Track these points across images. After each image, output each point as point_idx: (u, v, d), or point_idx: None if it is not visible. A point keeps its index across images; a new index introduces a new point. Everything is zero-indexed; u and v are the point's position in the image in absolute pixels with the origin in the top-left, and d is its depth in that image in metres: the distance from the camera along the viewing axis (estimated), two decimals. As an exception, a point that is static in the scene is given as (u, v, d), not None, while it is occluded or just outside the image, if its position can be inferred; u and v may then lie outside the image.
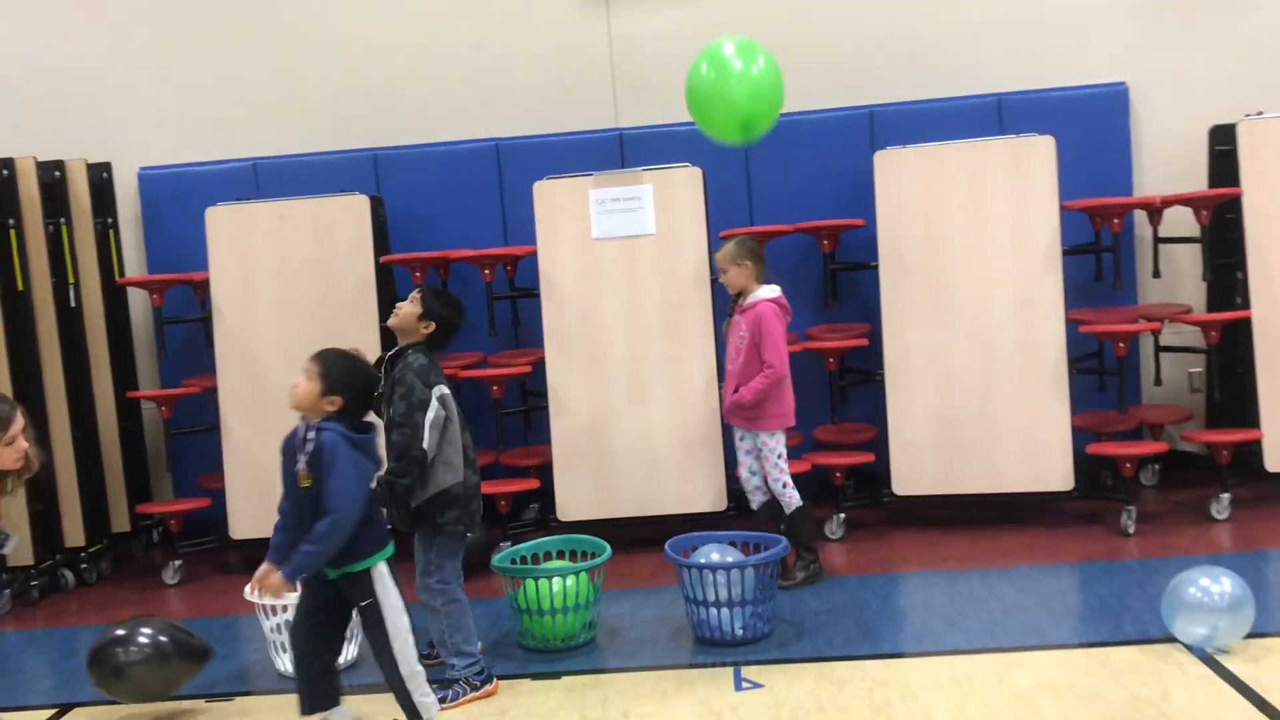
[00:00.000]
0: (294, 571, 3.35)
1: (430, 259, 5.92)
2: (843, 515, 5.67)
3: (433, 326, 3.99)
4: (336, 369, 3.47)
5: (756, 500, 5.00)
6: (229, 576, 5.79)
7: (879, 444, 5.82)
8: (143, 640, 3.92)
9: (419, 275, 5.90)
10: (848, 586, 4.90)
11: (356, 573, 3.43)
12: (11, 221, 5.63)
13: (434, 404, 3.84)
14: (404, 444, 3.80)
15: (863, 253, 5.95)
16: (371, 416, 3.65)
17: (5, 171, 5.63)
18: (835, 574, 5.08)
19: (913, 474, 5.62)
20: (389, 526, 3.64)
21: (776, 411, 4.86)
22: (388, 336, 5.85)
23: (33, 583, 5.61)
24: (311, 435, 3.41)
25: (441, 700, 3.78)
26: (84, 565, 5.86)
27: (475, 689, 3.96)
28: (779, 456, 4.87)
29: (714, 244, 5.60)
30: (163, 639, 3.94)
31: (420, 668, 3.51)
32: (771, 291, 4.84)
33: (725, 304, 5.88)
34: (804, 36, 6.28)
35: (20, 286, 5.66)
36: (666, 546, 4.45)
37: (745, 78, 4.14)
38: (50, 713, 4.15)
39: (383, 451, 3.63)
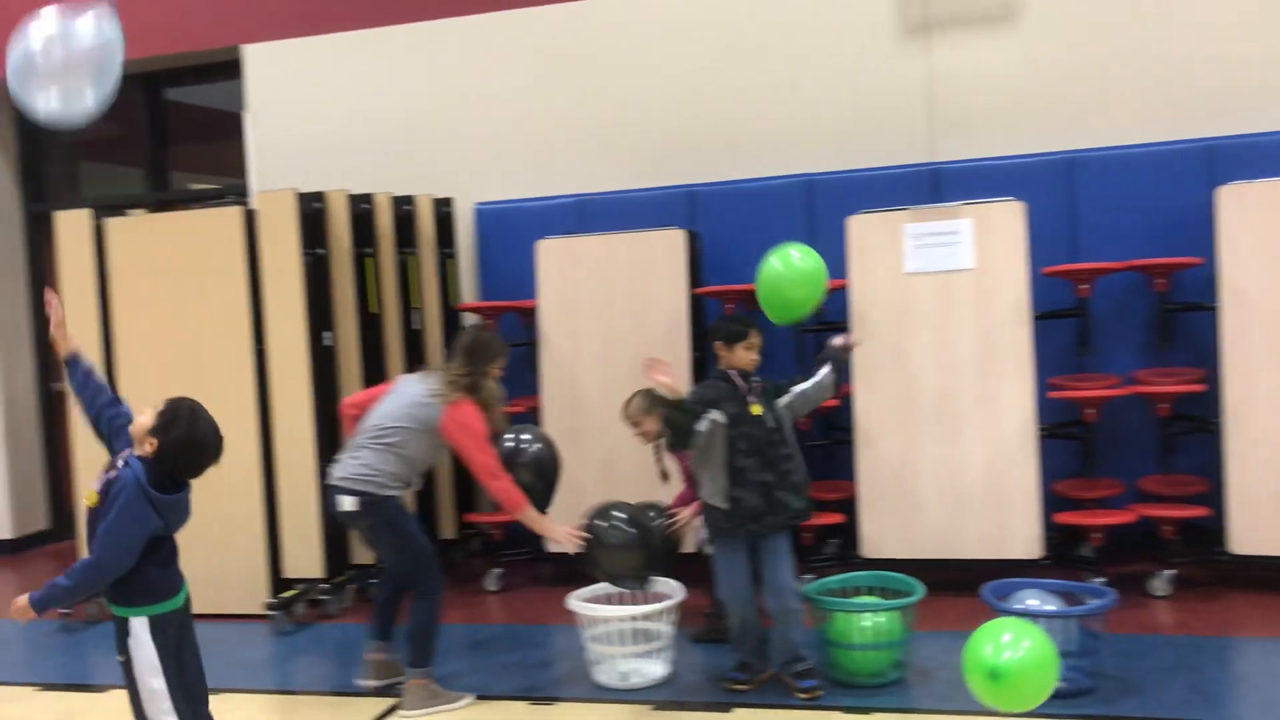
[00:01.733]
0: (39, 602, 3.11)
1: (741, 291, 6.06)
2: (1172, 572, 5.32)
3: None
4: (169, 424, 3.17)
5: None
6: (543, 588, 6.11)
7: (1213, 497, 5.43)
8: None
9: (730, 306, 6.06)
10: (1176, 647, 4.59)
11: (119, 617, 3.21)
12: (369, 250, 6.23)
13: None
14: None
15: (1195, 293, 5.60)
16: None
17: (366, 205, 6.24)
18: (1161, 632, 4.78)
19: (1254, 531, 5.19)
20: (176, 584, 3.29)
21: None
22: (699, 366, 6.06)
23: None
24: (119, 465, 3.20)
25: (812, 689, 4.23)
26: (416, 568, 6.35)
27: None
28: None
29: (1035, 279, 5.44)
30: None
31: None
32: None
33: (1048, 343, 5.72)
34: (1133, 66, 6.01)
35: (374, 309, 6.24)
36: (984, 589, 4.33)
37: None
38: (390, 703, 4.50)
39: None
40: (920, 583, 4.48)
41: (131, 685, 3.19)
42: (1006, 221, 5.42)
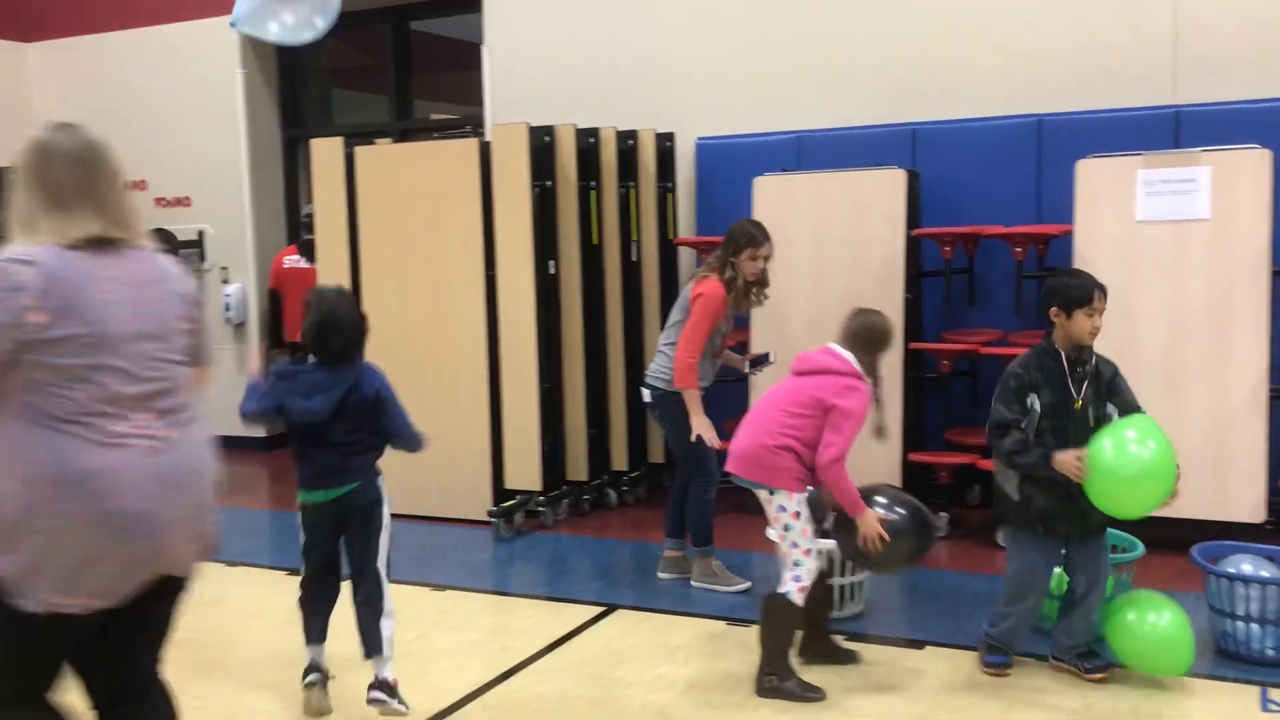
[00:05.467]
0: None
1: (961, 234, 5.99)
2: None
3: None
4: (306, 311, 3.67)
5: None
6: (744, 515, 6.30)
7: None
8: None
9: (948, 249, 6.00)
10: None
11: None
12: (593, 184, 6.47)
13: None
14: None
15: None
16: None
17: (592, 140, 6.47)
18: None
19: None
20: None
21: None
22: (911, 310, 6.05)
23: (585, 497, 6.49)
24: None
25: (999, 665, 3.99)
26: (625, 488, 6.68)
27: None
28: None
29: (1278, 231, 5.15)
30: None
31: None
32: None
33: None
34: None
35: (595, 240, 6.50)
36: (1193, 551, 4.24)
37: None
38: (598, 610, 4.83)
39: None
40: (1138, 540, 4.41)
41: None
42: (1249, 170, 5.15)
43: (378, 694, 3.61)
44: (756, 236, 4.91)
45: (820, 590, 4.02)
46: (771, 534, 4.06)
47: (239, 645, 4.53)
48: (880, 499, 3.95)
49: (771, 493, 3.86)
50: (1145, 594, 4.01)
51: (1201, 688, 3.82)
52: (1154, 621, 3.85)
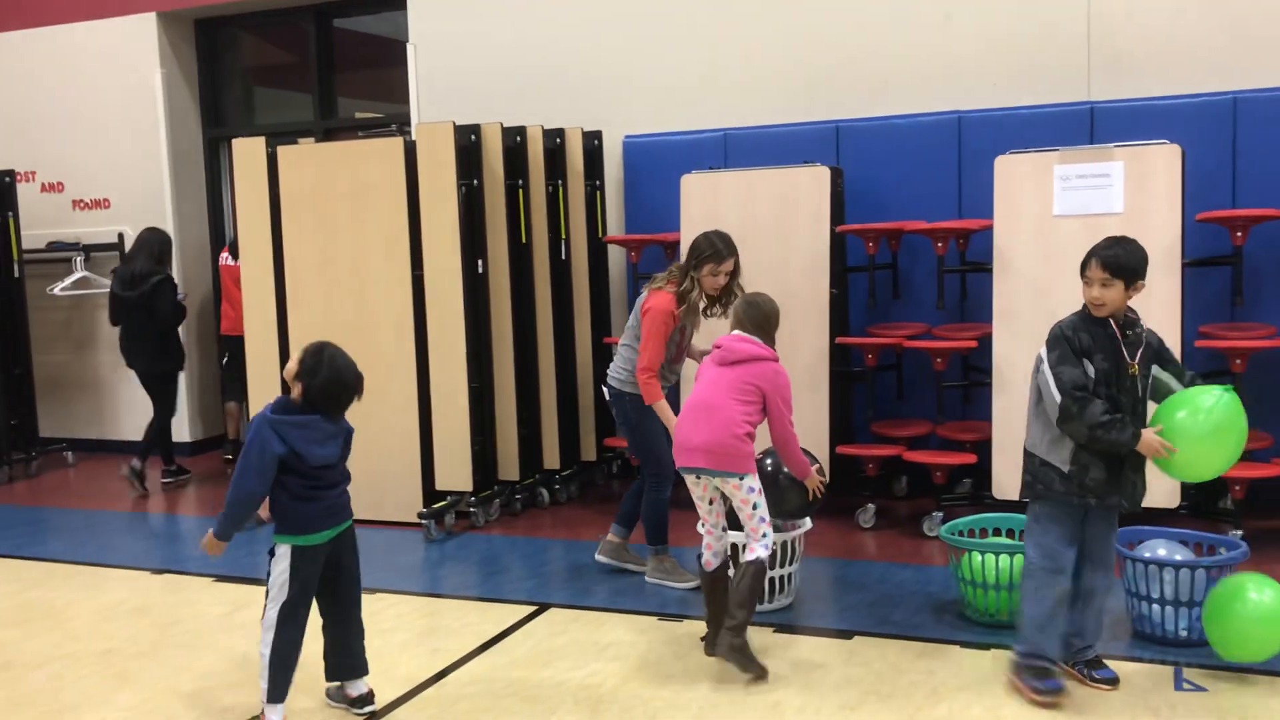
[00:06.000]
0: (220, 535, 3.71)
1: (884, 229, 6.07)
2: (1315, 528, 5.22)
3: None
4: (313, 369, 3.62)
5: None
6: (679, 511, 6.34)
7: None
8: None
9: (872, 245, 6.09)
10: None
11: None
12: (520, 182, 6.46)
13: None
14: None
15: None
16: None
17: (519, 138, 6.46)
18: None
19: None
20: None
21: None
22: (837, 305, 6.12)
23: (517, 496, 6.47)
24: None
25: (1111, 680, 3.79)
26: (558, 486, 6.68)
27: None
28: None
29: (1189, 225, 5.30)
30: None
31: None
32: None
33: (1196, 291, 5.60)
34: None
35: (524, 239, 6.49)
36: (1111, 536, 4.34)
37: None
38: (530, 609, 4.83)
39: None
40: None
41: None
42: (1161, 165, 5.29)
43: (371, 707, 3.84)
44: (721, 251, 4.83)
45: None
46: (704, 527, 4.27)
47: (161, 655, 4.45)
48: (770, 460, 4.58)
49: (742, 478, 4.09)
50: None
51: (1118, 668, 3.91)
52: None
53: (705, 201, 6.26)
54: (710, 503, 4.23)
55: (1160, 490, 5.27)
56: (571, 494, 6.80)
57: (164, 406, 7.39)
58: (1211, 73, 5.94)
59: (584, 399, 6.87)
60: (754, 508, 4.09)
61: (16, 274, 8.15)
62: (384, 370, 6.15)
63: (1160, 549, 4.27)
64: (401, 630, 4.63)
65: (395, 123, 7.12)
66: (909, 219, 6.16)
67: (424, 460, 6.17)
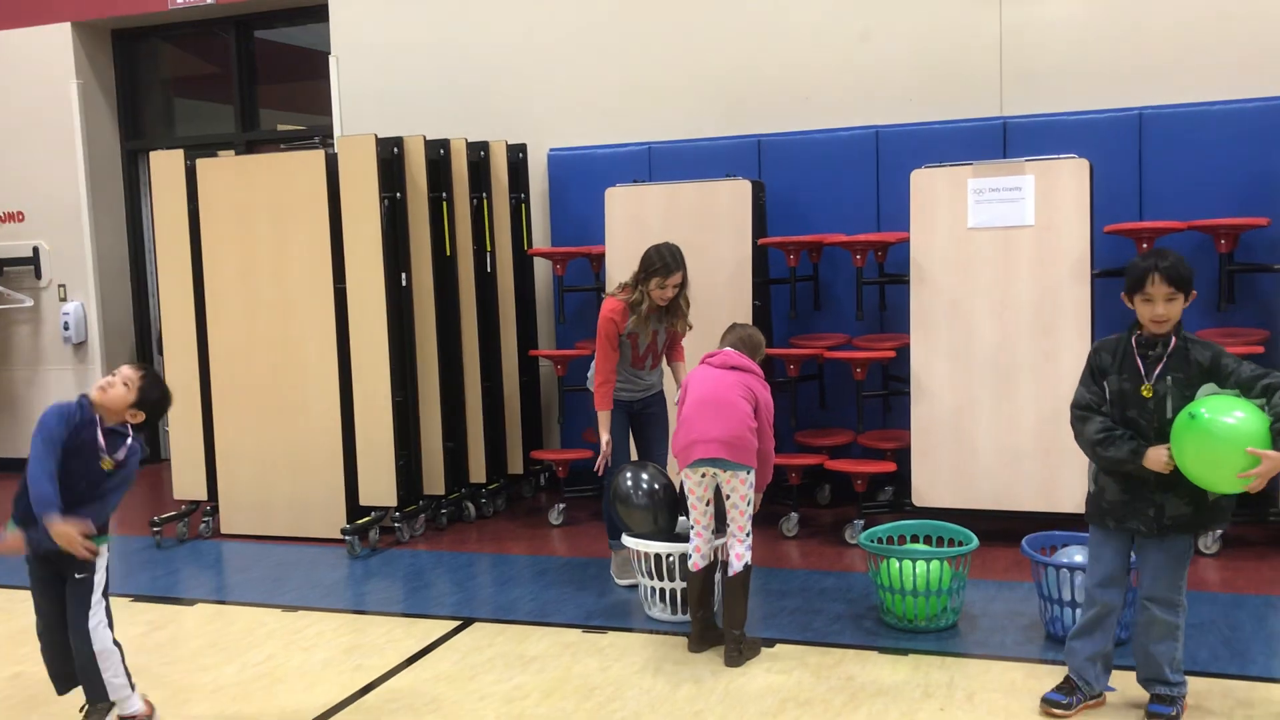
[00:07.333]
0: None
1: (805, 242, 6.17)
2: (1220, 531, 5.38)
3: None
4: (154, 394, 3.67)
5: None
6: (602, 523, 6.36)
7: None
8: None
9: (793, 257, 6.17)
10: (1219, 604, 4.68)
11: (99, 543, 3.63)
12: (444, 195, 6.44)
13: None
14: None
15: (1264, 254, 5.58)
16: None
17: (443, 151, 6.44)
18: (1207, 589, 4.86)
19: (1305, 494, 5.22)
20: None
21: None
22: (760, 316, 6.20)
23: (443, 510, 6.44)
24: (128, 440, 3.67)
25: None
26: (484, 500, 6.65)
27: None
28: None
29: (1098, 236, 5.45)
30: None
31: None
32: None
33: (1105, 301, 5.75)
34: (1208, 22, 5.95)
35: (448, 252, 6.47)
36: (1024, 543, 4.46)
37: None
38: (455, 624, 4.81)
39: None
40: (973, 534, 4.61)
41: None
42: (1070, 178, 5.44)
43: None
44: (669, 265, 4.89)
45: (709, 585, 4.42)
46: (695, 528, 4.40)
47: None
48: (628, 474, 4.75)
49: (749, 472, 4.27)
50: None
51: (1030, 671, 4.01)
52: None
53: (629, 214, 6.30)
54: (707, 503, 4.36)
55: (1073, 495, 5.41)
56: (498, 507, 6.78)
57: None
58: (1119, 89, 6.13)
59: (510, 412, 6.86)
60: (748, 504, 4.28)
61: (-75, 289, 7.94)
62: (306, 384, 6.10)
63: (1076, 555, 4.36)
64: (323, 648, 4.58)
65: (317, 135, 7.06)
66: (829, 231, 6.26)
67: (347, 475, 6.11)
